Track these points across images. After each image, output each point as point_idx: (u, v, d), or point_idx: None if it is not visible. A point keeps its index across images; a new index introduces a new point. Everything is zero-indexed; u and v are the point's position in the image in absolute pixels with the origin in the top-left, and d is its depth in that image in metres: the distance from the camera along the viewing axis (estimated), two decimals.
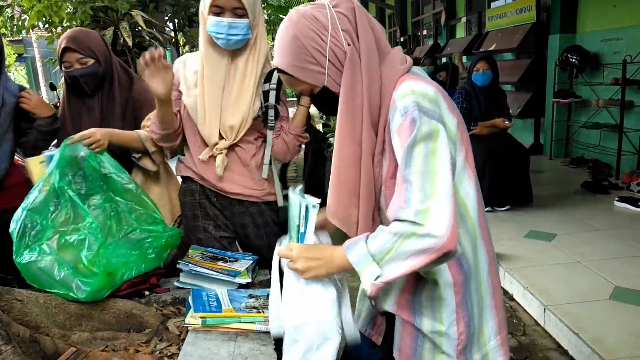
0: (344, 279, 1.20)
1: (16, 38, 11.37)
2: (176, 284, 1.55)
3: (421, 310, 1.08)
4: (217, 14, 1.58)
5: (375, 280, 0.93)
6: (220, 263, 1.57)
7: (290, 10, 1.06)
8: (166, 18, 5.93)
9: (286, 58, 1.03)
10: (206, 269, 1.50)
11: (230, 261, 1.61)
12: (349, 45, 1.00)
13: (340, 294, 1.13)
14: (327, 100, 1.06)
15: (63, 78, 1.87)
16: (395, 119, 0.96)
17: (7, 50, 17.85)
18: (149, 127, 1.73)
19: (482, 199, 1.09)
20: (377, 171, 1.04)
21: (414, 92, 0.95)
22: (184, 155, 1.83)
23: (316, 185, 1.76)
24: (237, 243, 1.84)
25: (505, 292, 2.84)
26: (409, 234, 0.89)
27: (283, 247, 1.11)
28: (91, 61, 1.80)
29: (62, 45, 1.79)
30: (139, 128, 1.86)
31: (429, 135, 0.91)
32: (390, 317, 1.21)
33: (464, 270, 1.05)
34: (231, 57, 1.64)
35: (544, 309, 2.46)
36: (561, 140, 5.55)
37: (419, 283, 1.08)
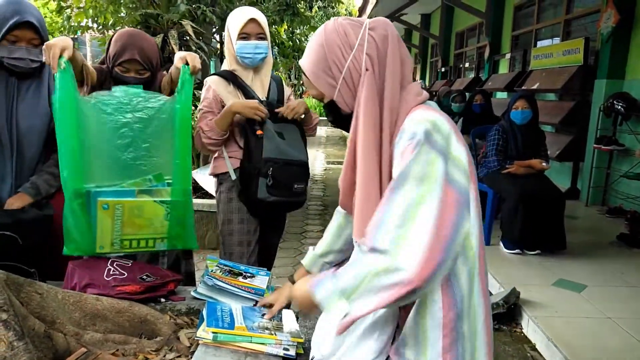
0: None
1: (71, 37, 11.92)
2: (193, 293, 1.55)
3: (403, 351, 1.03)
4: (244, 39, 2.02)
5: (344, 317, 0.92)
6: (240, 279, 1.56)
7: (333, 17, 1.10)
8: (214, 30, 6.09)
9: (308, 61, 1.08)
10: (232, 286, 1.49)
11: (248, 277, 1.60)
12: (367, 70, 1.01)
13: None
14: (333, 113, 1.10)
15: (108, 69, 1.87)
16: (402, 142, 0.97)
17: None
18: (205, 134, 2.02)
19: (483, 239, 1.06)
20: None
21: (428, 121, 0.96)
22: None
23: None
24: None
25: (527, 341, 2.72)
26: (380, 268, 0.87)
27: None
28: (147, 74, 1.88)
29: (127, 55, 1.80)
30: None
31: (425, 164, 0.91)
32: None
33: (456, 305, 0.98)
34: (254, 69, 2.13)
35: None
36: (599, 188, 5.37)
37: (404, 320, 1.03)
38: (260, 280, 1.59)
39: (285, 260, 3.85)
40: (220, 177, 2.16)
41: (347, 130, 1.08)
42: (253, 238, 2.14)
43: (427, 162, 0.91)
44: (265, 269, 1.76)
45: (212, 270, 1.57)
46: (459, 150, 0.98)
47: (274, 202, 2.01)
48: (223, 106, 2.05)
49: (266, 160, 1.98)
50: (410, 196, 0.89)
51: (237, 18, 2.04)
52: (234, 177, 2.09)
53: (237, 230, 2.12)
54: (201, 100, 2.10)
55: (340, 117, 1.09)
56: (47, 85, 1.82)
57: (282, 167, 1.99)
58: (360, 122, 1.01)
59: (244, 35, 2.02)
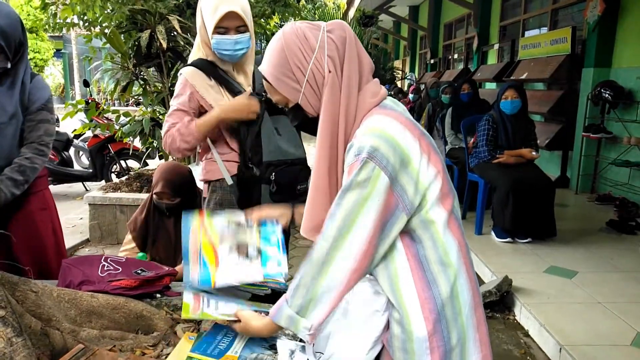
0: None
1: (56, 34, 11.74)
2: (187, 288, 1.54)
3: (393, 340, 1.05)
4: (222, 33, 1.72)
5: (310, 331, 1.00)
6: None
7: (288, 22, 1.10)
8: None
9: (269, 66, 1.07)
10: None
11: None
12: (329, 72, 1.03)
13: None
14: (298, 117, 1.11)
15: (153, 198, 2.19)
16: (349, 156, 1.00)
17: (47, 45, 18.42)
18: (182, 138, 1.76)
19: (460, 228, 1.08)
20: None
21: (373, 132, 0.99)
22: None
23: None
24: None
25: (521, 328, 2.76)
26: (320, 272, 0.98)
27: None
28: (178, 199, 2.16)
29: (159, 187, 2.13)
30: None
31: (365, 183, 0.96)
32: None
33: (432, 295, 1.02)
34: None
35: (560, 349, 2.38)
36: (588, 176, 5.43)
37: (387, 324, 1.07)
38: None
39: None
40: (213, 185, 1.90)
41: (314, 134, 1.09)
42: None
43: (369, 180, 0.96)
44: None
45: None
46: (414, 152, 1.00)
47: None
48: (201, 105, 1.81)
49: (268, 164, 1.77)
50: (347, 214, 0.97)
51: (212, 6, 1.72)
52: (230, 182, 1.84)
53: None
54: (175, 94, 1.82)
55: (306, 121, 1.10)
56: (18, 88, 1.78)
57: (284, 169, 1.78)
58: (320, 122, 1.04)
59: (221, 30, 1.73)
